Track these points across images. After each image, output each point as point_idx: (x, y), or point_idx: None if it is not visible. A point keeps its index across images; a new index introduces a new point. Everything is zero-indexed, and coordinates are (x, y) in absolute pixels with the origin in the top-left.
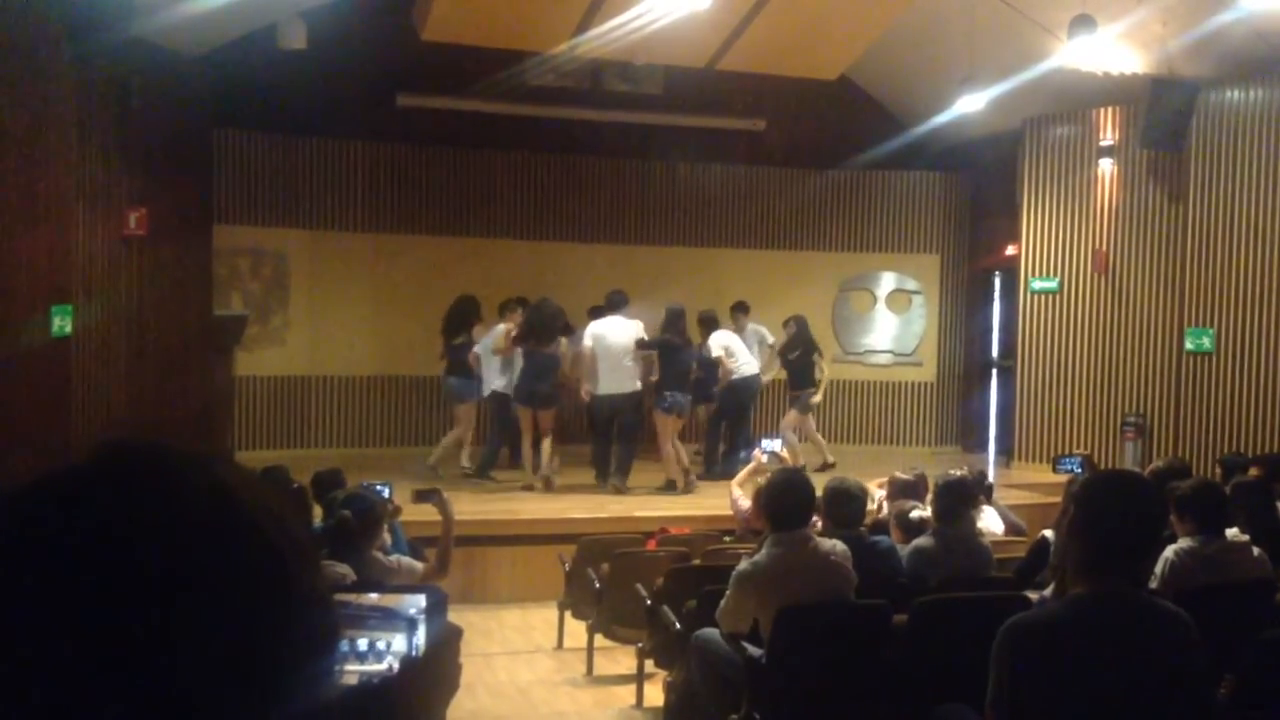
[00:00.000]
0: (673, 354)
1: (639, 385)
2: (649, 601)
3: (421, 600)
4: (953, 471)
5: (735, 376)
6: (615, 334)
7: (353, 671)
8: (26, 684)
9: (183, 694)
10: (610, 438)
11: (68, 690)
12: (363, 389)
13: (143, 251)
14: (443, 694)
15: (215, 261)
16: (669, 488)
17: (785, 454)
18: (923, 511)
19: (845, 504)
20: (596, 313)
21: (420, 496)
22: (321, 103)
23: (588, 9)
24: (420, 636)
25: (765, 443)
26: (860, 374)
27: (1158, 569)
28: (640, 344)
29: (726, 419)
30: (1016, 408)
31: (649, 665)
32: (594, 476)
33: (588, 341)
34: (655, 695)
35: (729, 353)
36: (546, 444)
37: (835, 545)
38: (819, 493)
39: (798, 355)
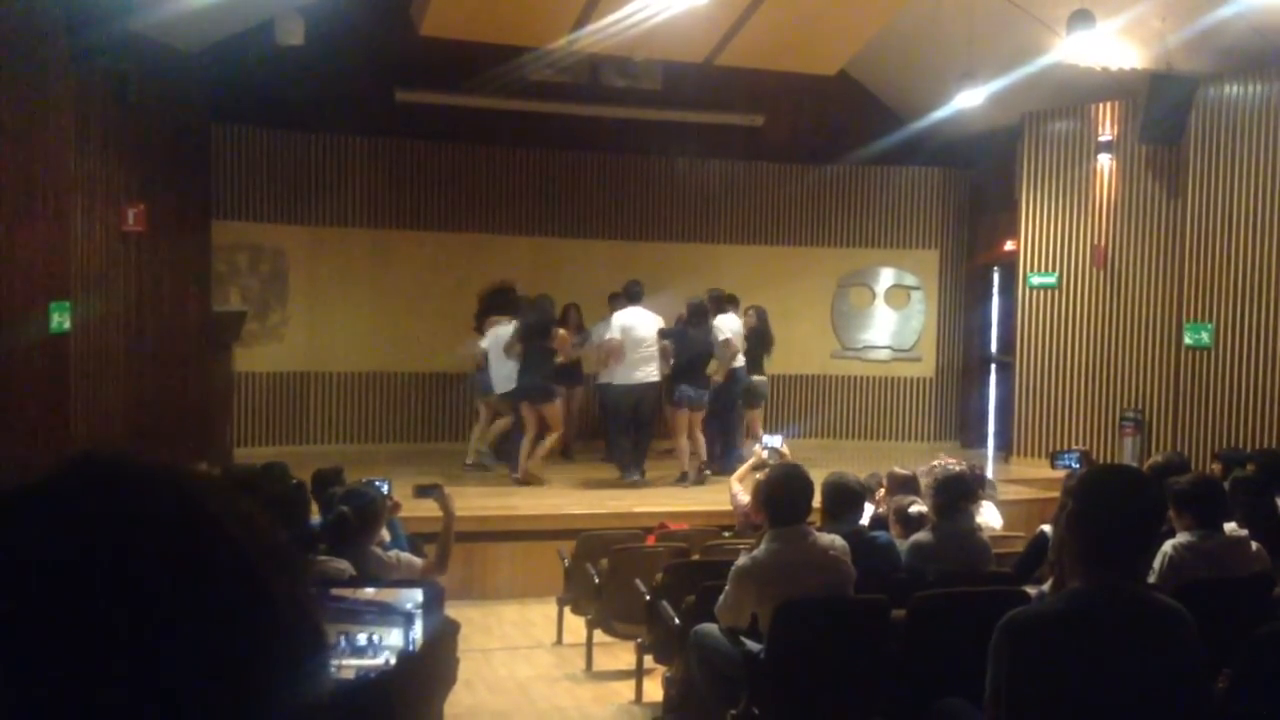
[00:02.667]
0: (689, 346)
1: (658, 376)
2: (648, 597)
3: (418, 595)
4: (951, 466)
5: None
6: (640, 324)
7: (350, 666)
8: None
9: (158, 703)
10: (631, 429)
11: (38, 705)
12: (361, 385)
13: (141, 247)
14: (440, 688)
15: (214, 257)
16: (682, 479)
17: (786, 450)
18: (921, 506)
19: (844, 499)
20: (615, 301)
21: (421, 492)
22: (320, 98)
23: (586, 4)
24: (417, 631)
25: (766, 438)
26: (859, 369)
27: (1156, 563)
28: (661, 333)
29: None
30: (1015, 403)
31: (648, 660)
32: (618, 470)
33: (616, 334)
34: (654, 690)
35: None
36: (550, 439)
37: (834, 540)
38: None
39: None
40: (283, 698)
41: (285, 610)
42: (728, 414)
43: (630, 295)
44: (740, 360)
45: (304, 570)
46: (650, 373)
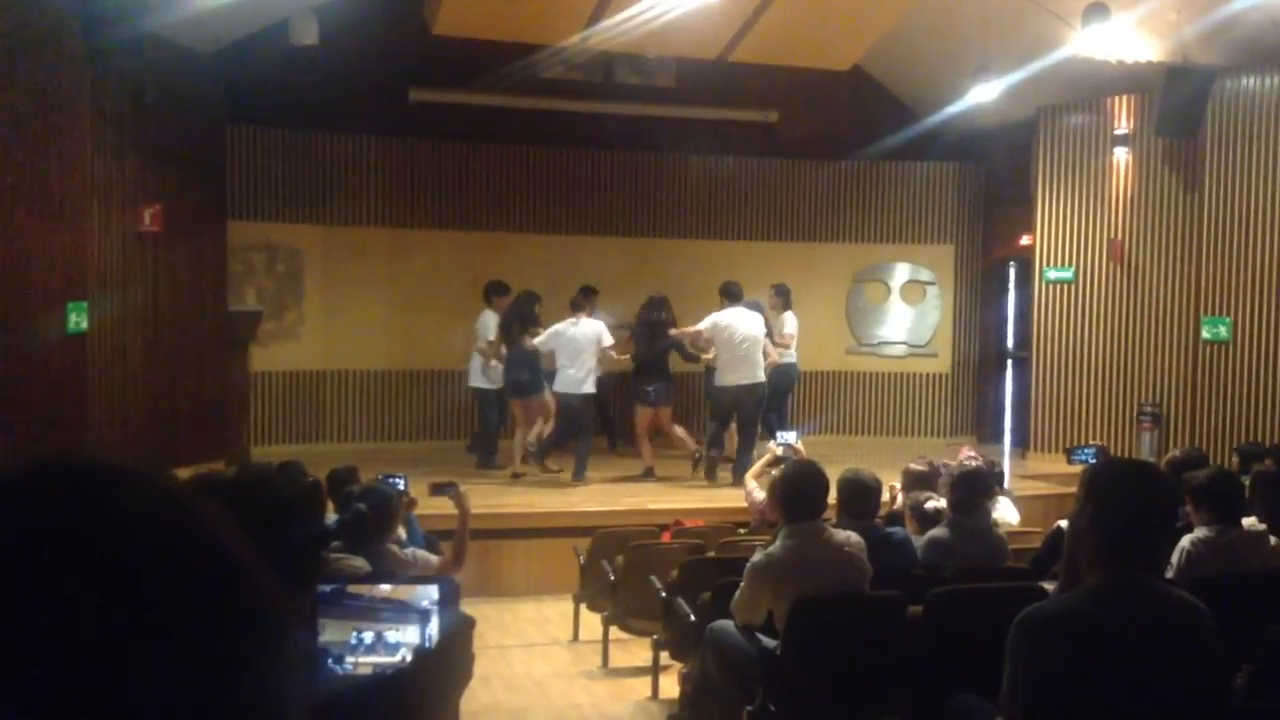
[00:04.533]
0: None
1: (762, 376)
2: (664, 594)
3: (434, 592)
4: (967, 462)
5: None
6: (741, 324)
7: (366, 663)
8: None
9: (131, 697)
10: (728, 428)
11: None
12: (377, 383)
13: (157, 248)
14: (455, 684)
15: (229, 257)
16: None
17: (800, 446)
18: (938, 502)
19: (860, 495)
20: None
21: (437, 490)
22: (334, 98)
23: (598, 1)
24: (433, 627)
25: (780, 435)
26: (874, 365)
27: (1174, 558)
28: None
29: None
30: (1032, 398)
31: (664, 657)
32: (702, 467)
33: (704, 327)
34: (670, 687)
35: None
36: (534, 431)
37: (850, 536)
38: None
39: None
40: (264, 698)
41: (255, 611)
42: (777, 407)
43: (729, 295)
44: (792, 355)
45: (271, 573)
46: (750, 373)
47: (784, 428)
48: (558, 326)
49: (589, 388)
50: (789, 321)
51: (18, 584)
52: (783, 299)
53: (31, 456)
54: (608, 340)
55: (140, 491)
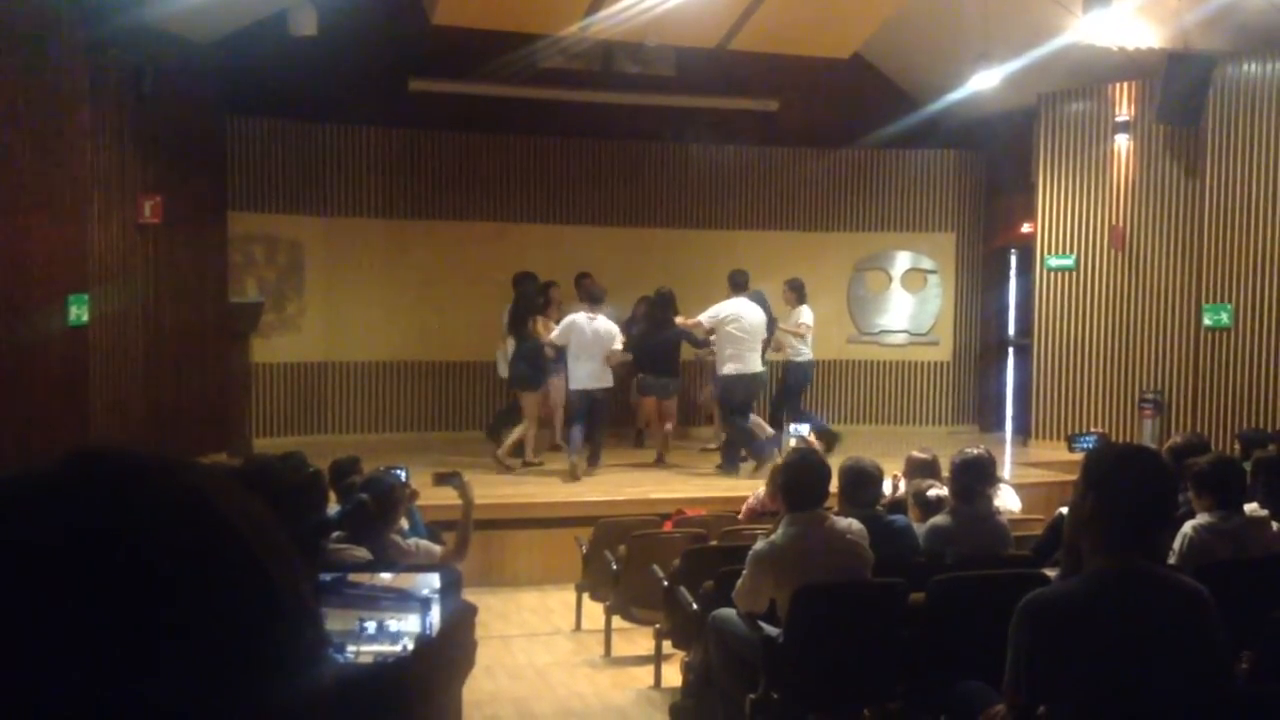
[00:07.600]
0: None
1: (762, 366)
2: (666, 583)
3: (435, 580)
4: (969, 450)
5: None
6: (750, 315)
7: (367, 652)
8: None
9: (161, 696)
10: (750, 420)
11: (40, 700)
12: (379, 374)
13: (158, 239)
14: (458, 673)
15: (230, 249)
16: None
17: (812, 438)
18: (940, 490)
19: (861, 484)
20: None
21: (440, 480)
22: (333, 89)
23: None
24: (434, 616)
25: (793, 427)
26: (876, 354)
27: (1176, 545)
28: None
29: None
30: (1033, 386)
31: (667, 646)
32: (722, 463)
33: (704, 318)
34: (673, 676)
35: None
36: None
37: (852, 524)
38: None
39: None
40: (285, 689)
41: (288, 603)
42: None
43: (735, 285)
44: (807, 353)
45: (304, 564)
46: (748, 363)
47: (798, 420)
48: (574, 319)
49: (601, 382)
50: (804, 314)
51: (37, 582)
52: (796, 293)
53: (63, 449)
54: (619, 344)
55: (163, 488)
